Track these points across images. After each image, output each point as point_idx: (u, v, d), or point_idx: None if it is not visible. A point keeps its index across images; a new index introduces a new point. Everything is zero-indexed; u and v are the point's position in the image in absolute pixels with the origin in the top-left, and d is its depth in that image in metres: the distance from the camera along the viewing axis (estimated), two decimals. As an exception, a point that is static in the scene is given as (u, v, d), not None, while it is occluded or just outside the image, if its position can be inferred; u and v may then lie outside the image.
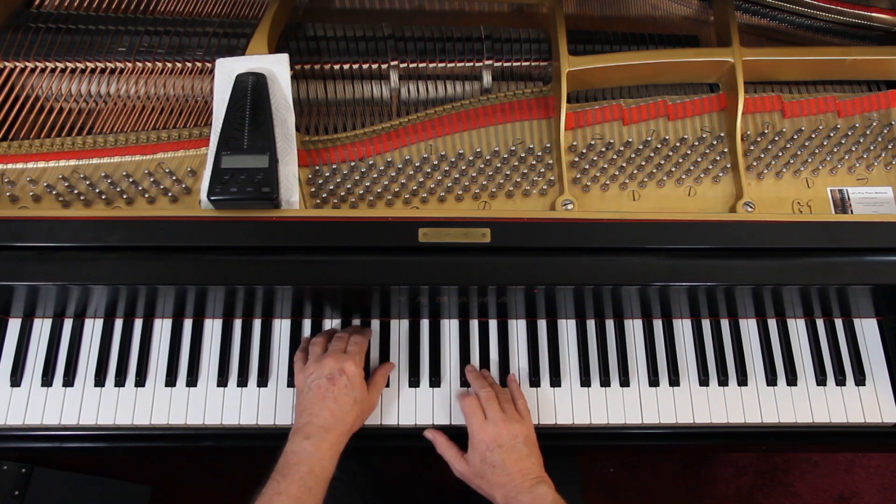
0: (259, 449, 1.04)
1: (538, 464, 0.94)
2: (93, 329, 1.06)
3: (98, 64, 1.08)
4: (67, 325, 1.06)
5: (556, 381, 1.06)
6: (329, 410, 0.92)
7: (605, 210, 1.05)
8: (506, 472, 0.92)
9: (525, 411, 1.00)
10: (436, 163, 1.06)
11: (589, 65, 1.07)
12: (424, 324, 1.09)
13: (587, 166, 1.08)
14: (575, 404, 1.05)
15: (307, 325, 1.08)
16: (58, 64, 1.07)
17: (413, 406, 1.04)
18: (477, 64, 1.12)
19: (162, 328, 1.07)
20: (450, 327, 1.09)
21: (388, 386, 1.05)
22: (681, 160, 1.09)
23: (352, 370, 0.95)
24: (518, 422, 0.97)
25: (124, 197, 1.01)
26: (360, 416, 0.97)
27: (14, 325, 1.06)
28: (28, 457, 1.58)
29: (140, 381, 1.04)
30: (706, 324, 1.11)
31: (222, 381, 1.04)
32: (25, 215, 0.95)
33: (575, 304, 1.05)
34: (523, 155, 1.07)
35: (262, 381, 1.05)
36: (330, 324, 1.09)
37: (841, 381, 1.08)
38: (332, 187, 1.04)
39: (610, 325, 1.10)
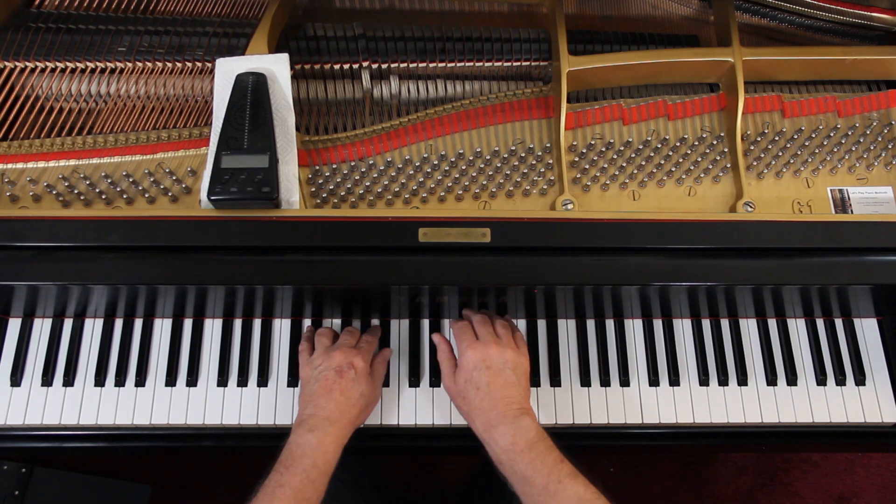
0: (259, 449, 1.04)
1: (525, 395, 0.92)
2: (93, 329, 1.06)
3: (98, 64, 1.08)
4: (67, 325, 1.06)
5: (555, 381, 1.06)
6: (335, 403, 0.92)
7: (605, 210, 1.05)
8: (489, 396, 0.89)
9: (522, 343, 0.98)
10: (436, 163, 1.06)
11: (589, 65, 1.07)
12: (425, 324, 1.09)
13: (587, 166, 1.08)
14: (575, 404, 1.05)
15: (307, 325, 1.08)
16: (58, 64, 1.07)
17: (413, 406, 1.04)
18: (477, 64, 1.12)
19: (162, 328, 1.07)
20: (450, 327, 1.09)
21: (388, 386, 1.05)
22: (681, 160, 1.09)
23: (360, 365, 0.95)
24: (512, 349, 0.94)
25: (124, 197, 1.01)
26: (365, 409, 0.97)
27: (14, 325, 1.06)
28: (28, 457, 1.58)
29: (140, 381, 1.04)
30: (706, 324, 1.11)
31: (222, 380, 1.04)
32: (25, 215, 0.95)
33: (575, 303, 1.05)
34: (523, 155, 1.07)
35: (263, 381, 1.05)
36: (330, 324, 1.09)
37: (841, 381, 1.08)
38: (332, 187, 1.04)
39: (610, 324, 1.10)
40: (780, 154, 1.10)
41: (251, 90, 0.99)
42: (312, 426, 0.89)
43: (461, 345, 0.95)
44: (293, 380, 1.04)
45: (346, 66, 1.11)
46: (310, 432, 0.89)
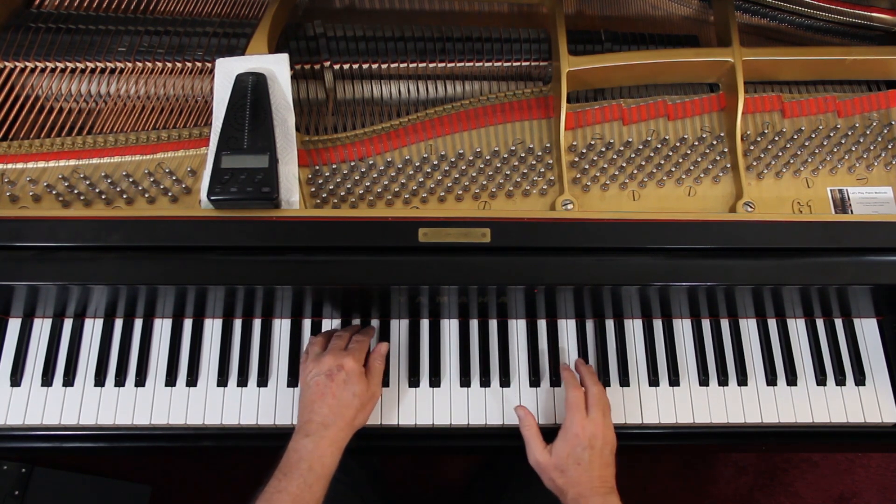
0: (259, 449, 1.04)
1: (614, 476, 0.95)
2: (93, 329, 1.06)
3: (98, 64, 1.08)
4: (67, 324, 1.06)
5: (555, 381, 1.06)
6: (328, 406, 0.92)
7: (605, 210, 1.05)
8: (589, 472, 0.92)
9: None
10: (436, 163, 1.06)
11: (589, 65, 1.07)
12: (424, 324, 1.09)
13: (587, 166, 1.08)
14: (575, 404, 1.05)
15: (307, 325, 1.08)
16: (58, 64, 1.07)
17: (413, 406, 1.04)
18: (477, 64, 1.12)
19: (162, 328, 1.07)
20: (450, 327, 1.09)
21: (387, 386, 1.05)
22: (681, 160, 1.09)
23: (350, 365, 0.95)
24: (613, 430, 0.97)
25: (124, 197, 1.01)
26: (362, 409, 0.96)
27: (14, 325, 1.06)
28: (28, 457, 1.58)
29: (140, 381, 1.04)
30: (706, 324, 1.11)
31: (222, 380, 1.04)
32: (25, 215, 0.95)
33: (575, 304, 1.05)
34: (523, 155, 1.07)
35: (262, 381, 1.05)
36: (330, 324, 1.09)
37: (841, 381, 1.08)
38: (332, 187, 1.04)
39: (610, 324, 1.10)
40: (780, 154, 1.10)
41: (251, 90, 0.99)
42: (308, 431, 0.90)
43: (572, 417, 0.96)
44: (293, 380, 1.04)
45: (346, 66, 1.11)
46: (306, 437, 0.90)
